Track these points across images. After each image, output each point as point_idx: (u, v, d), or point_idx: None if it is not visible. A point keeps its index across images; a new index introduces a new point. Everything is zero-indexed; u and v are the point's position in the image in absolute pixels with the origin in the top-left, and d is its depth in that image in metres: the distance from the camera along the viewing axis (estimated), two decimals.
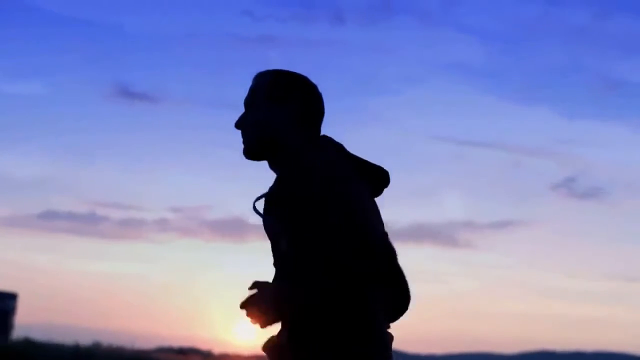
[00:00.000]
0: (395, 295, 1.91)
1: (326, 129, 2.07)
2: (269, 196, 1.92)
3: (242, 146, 2.03)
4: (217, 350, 20.87)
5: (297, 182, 1.86)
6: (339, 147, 1.99)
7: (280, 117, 1.99)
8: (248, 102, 2.04)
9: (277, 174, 1.99)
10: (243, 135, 2.03)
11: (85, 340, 19.76)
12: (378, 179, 2.01)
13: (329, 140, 2.00)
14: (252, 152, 2.02)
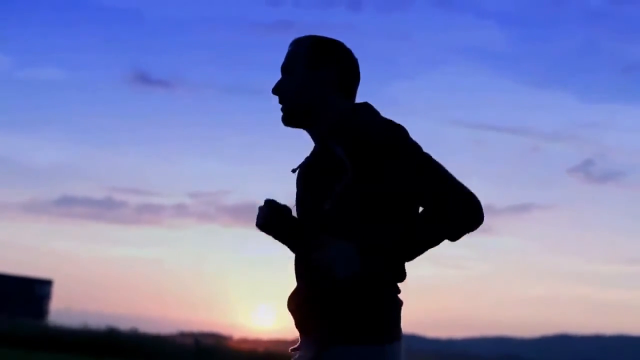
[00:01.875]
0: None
1: None
2: (337, 125, 1.97)
3: (279, 113, 2.04)
4: (237, 335, 20.11)
5: (367, 121, 1.92)
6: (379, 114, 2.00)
7: (320, 81, 2.00)
8: (286, 68, 2.05)
9: (317, 140, 2.02)
10: (281, 102, 2.04)
11: (101, 324, 18.93)
12: None
13: (370, 105, 2.01)
14: (292, 118, 2.03)
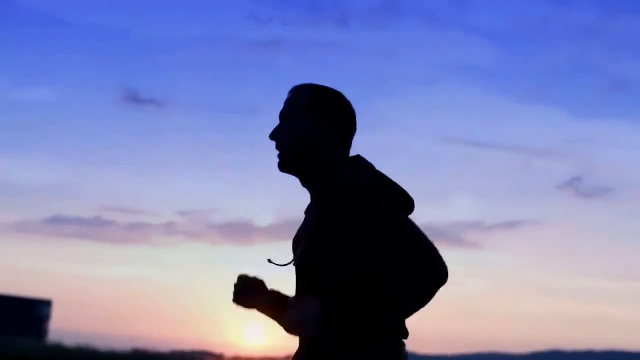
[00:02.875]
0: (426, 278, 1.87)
1: None
2: (323, 192, 1.94)
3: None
4: (228, 353, 20.64)
5: (349, 190, 1.88)
6: (371, 167, 1.98)
7: (320, 133, 1.98)
8: (284, 114, 2.03)
9: (311, 189, 2.01)
10: (279, 147, 2.02)
11: (99, 344, 19.61)
12: (405, 201, 1.96)
13: (361, 159, 1.99)
14: (288, 166, 2.01)
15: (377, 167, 1.97)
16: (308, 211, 2.01)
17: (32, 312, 30.54)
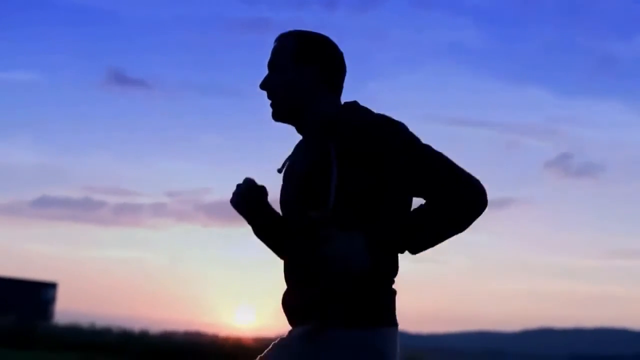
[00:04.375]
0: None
1: None
2: (329, 122, 1.92)
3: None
4: (222, 334, 20.54)
5: (361, 115, 1.89)
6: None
7: (309, 78, 1.95)
8: (272, 64, 2.00)
9: (306, 135, 1.99)
10: (270, 97, 1.99)
11: (86, 324, 19.59)
12: None
13: (360, 106, 1.96)
14: (281, 114, 1.98)
15: None
16: (299, 149, 2.01)
17: (38, 295, 30.68)
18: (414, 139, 1.86)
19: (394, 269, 1.89)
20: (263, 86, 1.99)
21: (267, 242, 2.08)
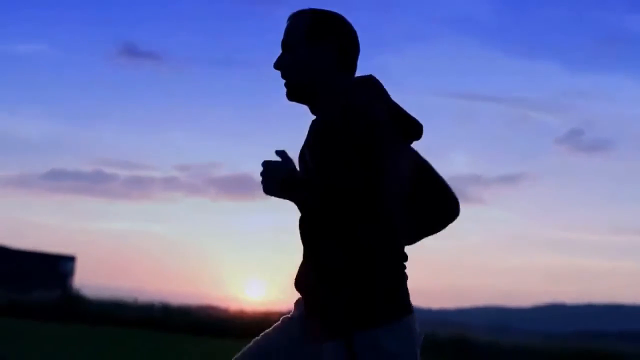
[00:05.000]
0: (434, 208, 1.95)
1: None
2: (314, 132, 1.91)
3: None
4: (233, 307, 20.61)
5: (339, 123, 1.83)
6: (381, 90, 1.92)
7: (322, 57, 1.93)
8: (286, 43, 1.97)
9: (319, 115, 1.95)
10: (284, 77, 1.97)
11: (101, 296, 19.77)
12: (411, 129, 1.93)
13: (374, 81, 1.93)
14: (295, 93, 1.96)
15: None
16: (311, 126, 1.97)
17: (56, 268, 30.95)
18: (346, 140, 1.79)
19: (404, 257, 1.89)
20: (277, 66, 1.97)
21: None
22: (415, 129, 1.92)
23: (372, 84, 1.92)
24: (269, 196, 1.87)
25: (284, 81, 1.97)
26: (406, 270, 1.88)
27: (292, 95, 1.97)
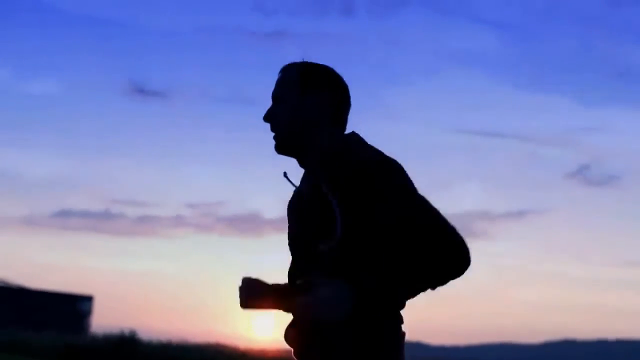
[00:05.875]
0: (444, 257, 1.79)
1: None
2: (328, 156, 1.86)
3: (271, 141, 1.94)
4: (241, 346, 20.55)
5: (354, 155, 1.81)
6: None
7: (312, 110, 1.90)
8: (276, 95, 1.94)
9: (308, 168, 1.91)
10: (274, 129, 1.93)
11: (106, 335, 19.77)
12: None
13: (359, 137, 1.91)
14: (285, 146, 1.92)
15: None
16: (305, 181, 1.92)
17: (74, 308, 30.88)
18: (407, 185, 1.78)
19: (399, 306, 1.82)
20: (267, 118, 1.94)
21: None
22: None
23: (359, 137, 1.90)
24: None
25: (272, 134, 1.93)
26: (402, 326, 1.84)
27: (281, 148, 1.93)
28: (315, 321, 1.76)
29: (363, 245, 1.78)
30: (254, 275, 1.86)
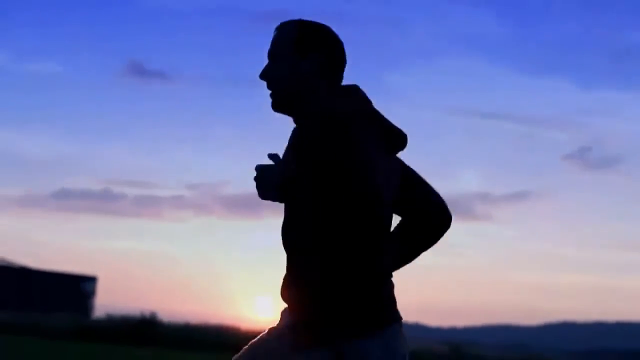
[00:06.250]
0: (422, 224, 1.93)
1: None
2: (291, 140, 1.87)
3: (268, 100, 1.94)
4: (243, 327, 20.60)
5: (311, 131, 1.81)
6: (364, 100, 1.91)
7: (307, 68, 1.91)
8: (272, 53, 1.95)
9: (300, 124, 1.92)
10: (270, 87, 1.94)
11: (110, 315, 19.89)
12: (394, 139, 1.93)
13: (357, 90, 1.92)
14: (281, 104, 1.93)
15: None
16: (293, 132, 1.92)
17: (78, 288, 30.93)
18: (352, 151, 1.78)
19: (387, 266, 1.87)
20: (263, 76, 1.95)
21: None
22: (399, 140, 1.92)
23: (355, 92, 1.91)
24: (266, 200, 1.84)
25: (269, 92, 1.94)
26: (393, 279, 1.88)
27: (277, 106, 1.94)
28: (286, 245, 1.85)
29: (333, 218, 1.79)
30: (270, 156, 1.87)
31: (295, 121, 1.94)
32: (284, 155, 1.86)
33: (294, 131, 1.88)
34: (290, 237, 1.86)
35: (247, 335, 18.67)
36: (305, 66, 1.91)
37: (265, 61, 1.96)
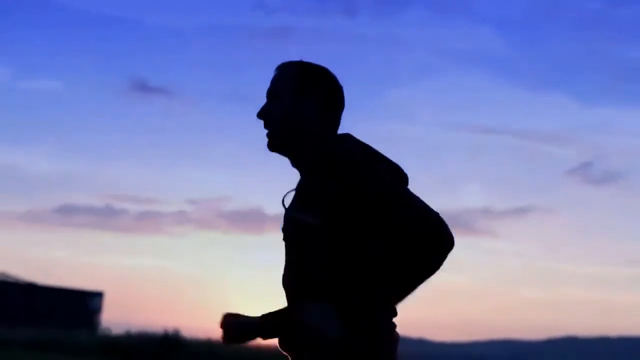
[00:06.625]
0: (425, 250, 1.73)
1: (343, 121, 1.97)
2: (301, 189, 1.82)
3: (265, 138, 1.92)
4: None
5: (340, 174, 1.75)
6: (363, 143, 1.86)
7: (308, 109, 1.89)
8: (271, 93, 1.93)
9: (300, 169, 1.89)
10: (267, 127, 1.92)
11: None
12: (400, 176, 1.85)
13: (349, 138, 1.88)
14: (277, 144, 1.91)
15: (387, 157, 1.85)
16: (298, 188, 1.89)
17: (84, 304, 30.83)
18: (388, 179, 1.73)
19: (392, 313, 1.79)
20: (261, 115, 1.92)
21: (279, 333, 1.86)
22: (403, 177, 1.84)
23: (352, 137, 1.86)
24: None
25: (266, 131, 1.91)
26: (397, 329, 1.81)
27: (274, 145, 1.91)
28: (314, 344, 1.72)
29: (348, 260, 1.74)
30: (236, 308, 1.84)
31: (292, 163, 1.91)
32: (297, 210, 1.81)
33: (305, 180, 1.85)
34: (297, 283, 1.79)
35: (256, 352, 18.72)
36: (304, 106, 1.89)
37: (266, 84, 1.96)
